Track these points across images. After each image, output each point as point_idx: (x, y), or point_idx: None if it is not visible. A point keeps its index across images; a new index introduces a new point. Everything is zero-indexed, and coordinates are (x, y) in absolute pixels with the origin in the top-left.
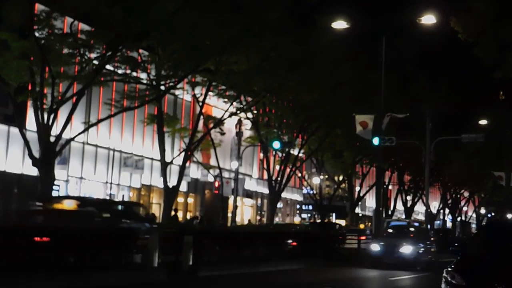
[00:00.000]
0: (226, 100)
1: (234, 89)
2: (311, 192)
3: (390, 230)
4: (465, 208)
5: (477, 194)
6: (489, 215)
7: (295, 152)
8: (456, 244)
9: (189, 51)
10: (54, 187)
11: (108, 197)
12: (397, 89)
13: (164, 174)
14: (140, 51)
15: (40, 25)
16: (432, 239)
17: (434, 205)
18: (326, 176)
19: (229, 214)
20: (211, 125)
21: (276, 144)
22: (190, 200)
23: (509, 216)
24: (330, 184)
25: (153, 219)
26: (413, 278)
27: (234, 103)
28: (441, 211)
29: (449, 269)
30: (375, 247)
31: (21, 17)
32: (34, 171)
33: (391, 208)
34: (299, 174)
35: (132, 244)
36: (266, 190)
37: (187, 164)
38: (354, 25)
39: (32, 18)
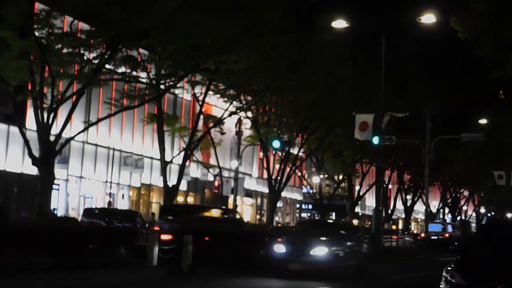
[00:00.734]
0: (226, 99)
1: (234, 88)
2: (311, 191)
3: (299, 227)
4: (465, 208)
5: (477, 193)
6: (489, 215)
7: (295, 151)
8: (456, 244)
9: (189, 51)
10: (54, 187)
11: (108, 197)
12: (397, 89)
13: (164, 173)
14: (140, 50)
15: (40, 24)
16: (366, 236)
17: (434, 205)
18: (326, 176)
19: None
20: (211, 124)
21: (276, 144)
22: (190, 199)
23: (509, 215)
24: (330, 183)
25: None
26: None
27: (234, 102)
28: (441, 210)
29: (449, 268)
30: (280, 248)
31: (21, 16)
32: (34, 170)
33: (391, 207)
34: (299, 174)
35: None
36: (266, 189)
37: (187, 163)
38: (354, 25)
39: (32, 17)
